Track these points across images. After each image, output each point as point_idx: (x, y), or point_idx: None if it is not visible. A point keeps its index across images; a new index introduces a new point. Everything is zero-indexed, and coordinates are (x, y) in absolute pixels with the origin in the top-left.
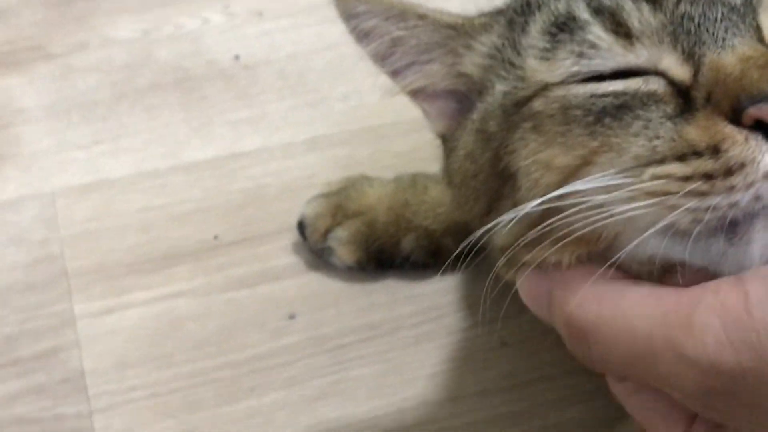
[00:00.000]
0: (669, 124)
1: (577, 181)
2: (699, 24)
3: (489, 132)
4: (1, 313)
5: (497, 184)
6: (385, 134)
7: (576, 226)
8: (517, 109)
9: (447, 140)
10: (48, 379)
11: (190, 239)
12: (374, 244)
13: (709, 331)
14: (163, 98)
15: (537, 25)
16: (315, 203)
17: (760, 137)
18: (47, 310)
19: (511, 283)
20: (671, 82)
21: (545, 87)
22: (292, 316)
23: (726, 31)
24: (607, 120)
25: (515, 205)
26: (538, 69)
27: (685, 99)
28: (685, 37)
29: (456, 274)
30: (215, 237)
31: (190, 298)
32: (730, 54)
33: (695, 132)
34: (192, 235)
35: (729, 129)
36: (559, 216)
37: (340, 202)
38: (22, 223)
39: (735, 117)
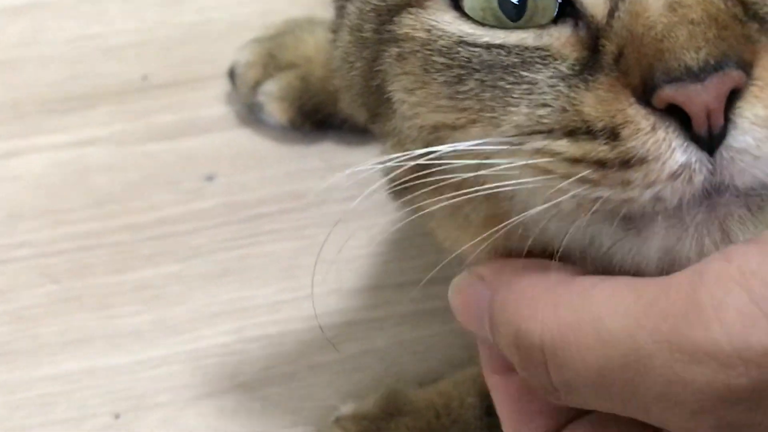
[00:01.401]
0: (561, 86)
1: (449, 143)
2: None
3: (364, 36)
4: None
5: (374, 101)
6: None
7: (454, 181)
8: (389, 18)
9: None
10: None
11: (117, 78)
12: (309, 102)
13: (730, 305)
14: None
15: None
16: (247, 50)
17: (671, 128)
18: None
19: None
20: (580, 19)
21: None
22: (210, 177)
23: None
24: (472, 82)
25: (395, 129)
26: None
27: (591, 51)
28: None
29: None
30: (144, 77)
31: (103, 147)
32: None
33: (592, 104)
34: (120, 72)
35: (633, 110)
36: (438, 169)
37: (273, 51)
38: None
39: (645, 93)
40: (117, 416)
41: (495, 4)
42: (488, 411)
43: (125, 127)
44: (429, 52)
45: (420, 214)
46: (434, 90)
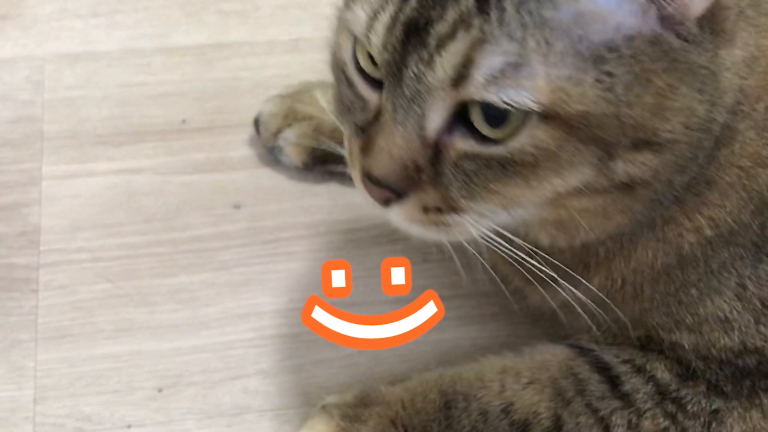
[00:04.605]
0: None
1: None
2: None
3: None
4: None
5: None
6: None
7: None
8: None
9: None
10: (7, 230)
11: (160, 120)
12: (319, 148)
13: None
14: None
15: None
16: (271, 103)
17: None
18: (18, 166)
19: None
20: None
21: None
22: (237, 206)
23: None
24: None
25: None
26: None
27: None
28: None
29: None
30: (183, 121)
31: (148, 175)
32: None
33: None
34: (163, 115)
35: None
36: None
37: (293, 105)
38: (13, 82)
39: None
40: (160, 390)
41: None
42: (446, 405)
43: (167, 161)
44: None
45: None
46: None
